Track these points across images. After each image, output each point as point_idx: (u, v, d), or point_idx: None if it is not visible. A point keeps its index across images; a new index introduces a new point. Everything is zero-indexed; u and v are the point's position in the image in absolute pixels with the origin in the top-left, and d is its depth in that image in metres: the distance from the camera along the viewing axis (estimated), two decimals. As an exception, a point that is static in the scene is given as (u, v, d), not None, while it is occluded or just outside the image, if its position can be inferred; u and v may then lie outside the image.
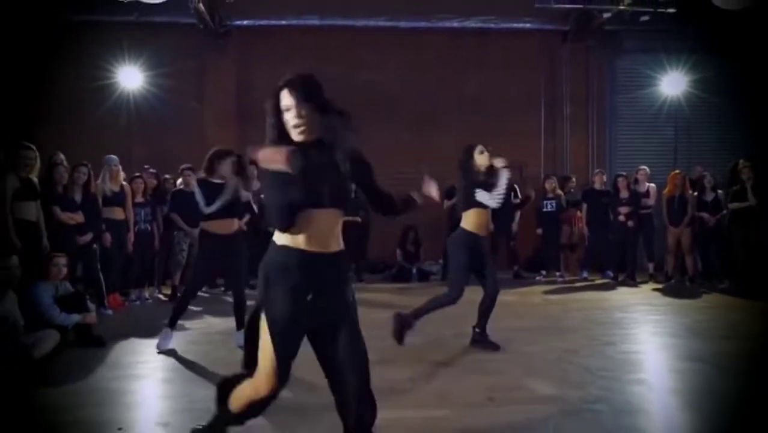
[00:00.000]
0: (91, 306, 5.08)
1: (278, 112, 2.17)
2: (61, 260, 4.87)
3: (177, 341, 4.93)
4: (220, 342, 4.91)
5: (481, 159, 4.46)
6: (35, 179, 5.32)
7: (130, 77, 9.33)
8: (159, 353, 4.46)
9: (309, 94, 2.13)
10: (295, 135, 2.13)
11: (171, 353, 4.50)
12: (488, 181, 4.40)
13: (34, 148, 5.31)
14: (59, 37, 9.12)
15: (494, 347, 4.37)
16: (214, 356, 4.40)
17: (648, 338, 5.02)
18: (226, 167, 4.64)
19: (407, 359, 4.08)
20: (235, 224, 4.75)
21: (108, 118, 9.17)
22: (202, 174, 4.83)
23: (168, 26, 9.45)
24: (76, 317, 4.69)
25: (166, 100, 9.44)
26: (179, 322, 4.96)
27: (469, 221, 4.42)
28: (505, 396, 3.32)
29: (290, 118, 2.13)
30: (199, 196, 4.67)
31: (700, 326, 5.33)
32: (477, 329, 4.48)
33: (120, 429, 2.92)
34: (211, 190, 4.62)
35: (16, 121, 8.47)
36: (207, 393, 3.39)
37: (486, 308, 4.45)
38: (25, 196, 5.15)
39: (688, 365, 4.03)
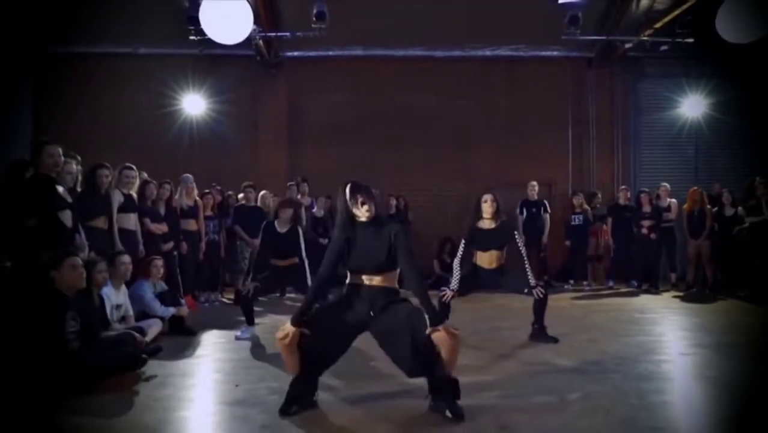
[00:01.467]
0: (183, 301, 6.01)
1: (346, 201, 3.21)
2: (159, 262, 5.81)
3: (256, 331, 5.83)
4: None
5: (485, 207, 5.09)
6: (135, 195, 6.29)
7: (194, 104, 10.39)
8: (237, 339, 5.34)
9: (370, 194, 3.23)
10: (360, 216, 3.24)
11: (251, 339, 5.37)
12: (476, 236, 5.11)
13: (134, 168, 6.30)
14: (131, 68, 10.26)
15: (553, 340, 4.97)
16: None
17: (661, 331, 5.69)
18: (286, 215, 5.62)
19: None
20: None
21: (174, 142, 10.24)
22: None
23: (227, 58, 10.50)
24: (172, 310, 5.61)
25: (224, 124, 10.47)
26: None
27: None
28: (537, 369, 4.07)
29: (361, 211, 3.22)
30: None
31: (711, 324, 5.98)
32: (535, 325, 5.11)
33: (237, 385, 3.77)
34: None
35: (96, 148, 9.54)
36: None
37: (535, 308, 5.09)
38: (127, 209, 6.10)
39: (692, 350, 4.72)
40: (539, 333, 5.09)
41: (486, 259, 5.13)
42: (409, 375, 3.15)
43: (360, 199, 3.18)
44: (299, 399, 3.20)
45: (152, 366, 4.21)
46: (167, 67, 10.24)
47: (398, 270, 3.24)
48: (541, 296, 4.98)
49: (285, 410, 3.16)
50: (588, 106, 10.96)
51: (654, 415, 3.13)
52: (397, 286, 3.28)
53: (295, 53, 10.83)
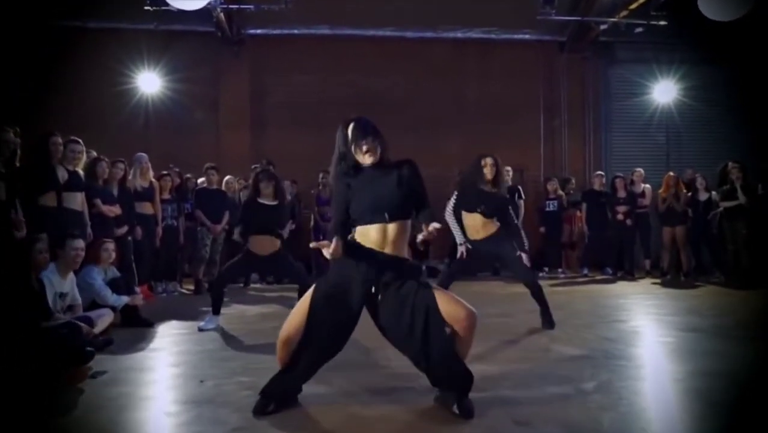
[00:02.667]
0: (137, 289, 5.42)
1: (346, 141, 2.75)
2: (110, 246, 5.21)
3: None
4: (259, 321, 5.26)
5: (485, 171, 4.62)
6: (81, 172, 5.65)
7: (149, 82, 9.70)
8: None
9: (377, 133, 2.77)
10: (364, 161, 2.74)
11: (215, 330, 4.85)
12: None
13: (81, 142, 5.65)
14: (82, 43, 9.47)
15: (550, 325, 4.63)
16: (262, 331, 4.77)
17: (651, 316, 5.44)
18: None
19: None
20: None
21: (128, 121, 9.53)
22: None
23: (185, 34, 9.84)
24: (125, 298, 5.02)
25: (182, 104, 9.81)
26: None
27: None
28: (540, 356, 3.72)
29: (363, 156, 2.73)
30: None
31: (695, 307, 5.80)
32: (545, 314, 4.75)
33: (202, 381, 3.27)
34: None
35: (41, 123, 8.76)
36: (265, 356, 3.80)
37: (537, 296, 4.76)
38: (72, 187, 5.46)
39: (689, 333, 4.46)
40: (548, 317, 4.71)
41: (472, 225, 4.63)
42: (433, 383, 2.74)
43: (364, 147, 2.71)
44: (280, 396, 2.74)
45: (102, 361, 3.66)
46: (120, 42, 9.52)
47: (410, 222, 2.76)
48: (527, 263, 4.71)
49: (261, 409, 2.68)
50: (560, 91, 10.77)
51: (675, 401, 2.81)
52: (406, 252, 2.78)
53: (259, 31, 10.25)
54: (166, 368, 3.71)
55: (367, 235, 2.70)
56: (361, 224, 2.73)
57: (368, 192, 2.70)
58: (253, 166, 8.64)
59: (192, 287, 7.66)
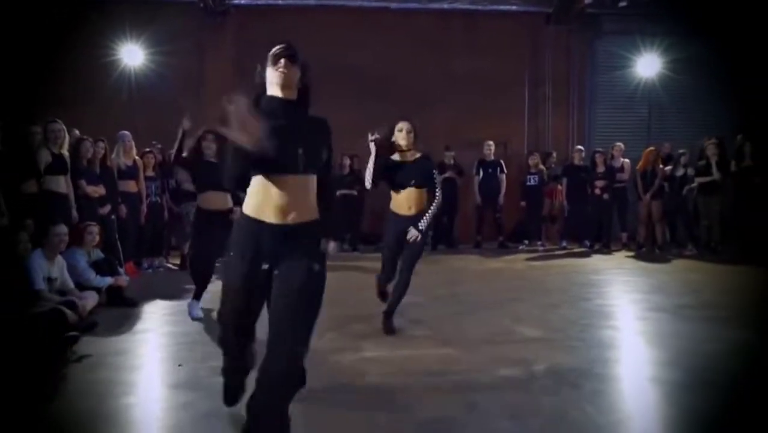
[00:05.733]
0: (121, 271, 5.59)
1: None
2: (94, 228, 5.35)
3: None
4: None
5: (399, 137, 4.11)
6: (66, 153, 5.73)
7: (132, 54, 9.64)
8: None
9: (296, 57, 2.36)
10: (275, 89, 2.32)
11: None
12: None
13: (61, 122, 5.71)
14: (63, 15, 9.35)
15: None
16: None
17: (619, 295, 5.69)
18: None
19: (409, 313, 4.68)
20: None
21: (111, 95, 9.51)
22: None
23: (168, 5, 9.74)
24: (109, 280, 5.19)
25: (165, 77, 9.77)
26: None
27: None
28: (500, 338, 3.94)
29: (275, 72, 2.31)
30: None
31: (663, 285, 6.03)
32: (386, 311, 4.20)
33: (180, 365, 3.47)
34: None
35: (22, 99, 8.75)
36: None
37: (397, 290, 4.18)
38: (56, 170, 5.55)
39: (651, 314, 4.70)
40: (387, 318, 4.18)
41: (403, 201, 4.07)
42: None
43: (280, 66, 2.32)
44: (235, 381, 2.63)
45: (86, 344, 3.85)
46: (102, 13, 9.41)
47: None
48: (415, 240, 4.00)
49: (230, 401, 2.66)
50: (545, 65, 10.77)
51: (619, 387, 3.03)
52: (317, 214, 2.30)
53: (242, 1, 10.15)
54: (147, 352, 3.90)
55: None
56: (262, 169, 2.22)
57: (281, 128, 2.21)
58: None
59: (178, 262, 7.81)
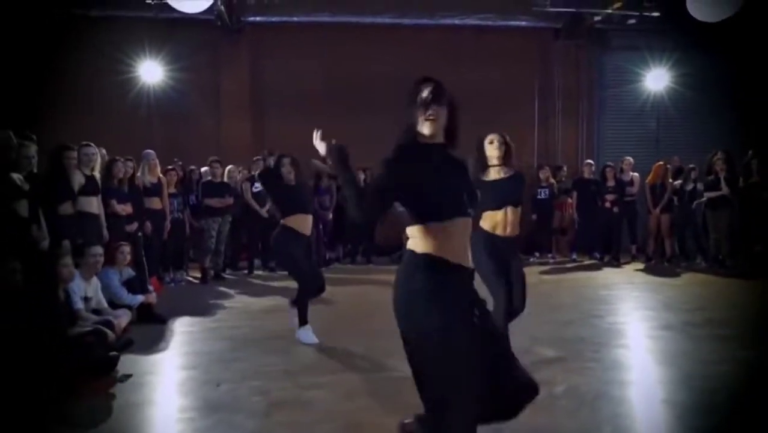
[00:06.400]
0: (151, 288, 5.82)
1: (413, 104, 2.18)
2: (126, 248, 5.58)
3: (225, 317, 5.71)
4: (264, 317, 5.66)
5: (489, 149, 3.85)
6: (97, 175, 5.96)
7: (151, 72, 9.88)
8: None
9: (444, 98, 2.18)
10: (425, 137, 2.17)
11: (224, 327, 5.25)
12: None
13: (94, 146, 5.95)
14: (83, 32, 9.61)
15: None
16: (267, 328, 5.17)
17: (629, 311, 5.89)
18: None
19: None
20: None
21: (130, 111, 9.76)
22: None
23: (185, 22, 9.94)
24: (140, 298, 5.42)
25: (183, 93, 10.01)
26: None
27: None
28: (520, 358, 4.09)
29: (425, 122, 2.15)
30: None
31: (672, 301, 6.21)
32: None
33: (218, 385, 3.68)
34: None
35: (38, 116, 8.99)
36: (273, 358, 4.21)
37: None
38: (89, 192, 5.77)
39: (661, 333, 4.88)
40: None
41: (500, 221, 3.73)
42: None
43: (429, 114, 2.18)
44: None
45: (126, 363, 4.07)
46: (121, 31, 9.66)
47: None
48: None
49: None
50: (554, 78, 10.95)
51: (635, 410, 3.22)
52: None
53: (258, 18, 10.37)
54: (183, 371, 4.11)
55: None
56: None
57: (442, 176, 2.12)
58: (255, 158, 8.96)
59: (198, 275, 8.03)
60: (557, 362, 4.04)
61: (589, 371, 3.84)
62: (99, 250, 4.93)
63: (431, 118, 2.15)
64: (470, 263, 2.10)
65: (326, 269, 7.41)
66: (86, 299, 4.80)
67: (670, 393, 3.46)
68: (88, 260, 4.85)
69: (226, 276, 8.32)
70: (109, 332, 4.27)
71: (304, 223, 4.84)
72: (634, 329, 5.18)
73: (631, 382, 3.70)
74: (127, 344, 4.47)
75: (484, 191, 3.51)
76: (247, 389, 3.60)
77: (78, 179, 5.69)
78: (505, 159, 3.83)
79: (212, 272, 8.11)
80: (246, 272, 8.61)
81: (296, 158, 5.06)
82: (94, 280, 4.94)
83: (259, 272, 8.56)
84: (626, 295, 6.64)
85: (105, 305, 4.97)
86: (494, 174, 3.84)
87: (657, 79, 10.58)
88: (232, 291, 7.23)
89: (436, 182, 2.07)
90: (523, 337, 4.64)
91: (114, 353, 4.04)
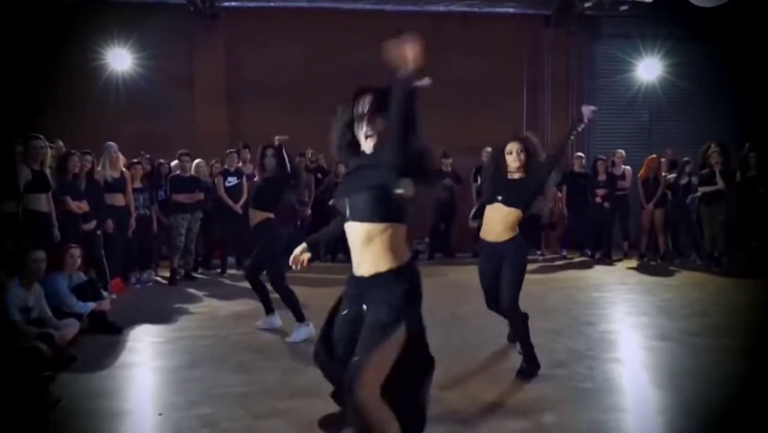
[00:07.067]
0: (105, 294, 5.34)
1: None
2: (76, 251, 5.10)
3: (189, 325, 5.26)
4: (231, 325, 5.21)
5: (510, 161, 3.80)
6: (47, 170, 5.47)
7: (119, 58, 9.35)
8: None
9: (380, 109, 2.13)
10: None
11: (186, 337, 4.80)
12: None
13: (43, 138, 5.44)
14: (47, 17, 9.04)
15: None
16: (232, 339, 4.72)
17: (622, 318, 5.48)
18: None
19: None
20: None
21: (97, 100, 9.22)
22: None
23: (156, 7, 9.45)
24: (91, 305, 4.95)
25: (155, 82, 9.48)
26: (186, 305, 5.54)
27: None
28: (506, 378, 3.71)
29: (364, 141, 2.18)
30: None
31: (667, 304, 5.82)
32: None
33: (160, 414, 3.24)
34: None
35: (6, 106, 8.45)
36: (232, 377, 3.77)
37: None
38: (37, 188, 5.30)
39: (657, 343, 4.49)
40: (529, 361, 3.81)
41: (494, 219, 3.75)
42: None
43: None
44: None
45: (63, 383, 3.61)
46: (87, 14, 9.09)
47: None
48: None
49: None
50: (543, 68, 10.55)
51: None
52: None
53: (233, 3, 9.86)
54: (127, 394, 3.66)
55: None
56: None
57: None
58: (228, 151, 8.48)
59: (168, 275, 7.55)
60: (548, 381, 3.63)
61: (584, 395, 3.43)
62: (41, 255, 4.45)
63: (369, 135, 2.18)
64: (363, 270, 2.14)
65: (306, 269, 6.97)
66: (26, 310, 4.34)
67: (674, 424, 3.06)
68: (28, 266, 4.37)
69: (198, 276, 7.87)
70: (45, 346, 3.81)
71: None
72: (628, 340, 4.78)
73: (630, 410, 3.28)
74: (68, 361, 4.02)
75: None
76: (194, 418, 3.16)
77: (24, 175, 5.21)
78: (528, 166, 3.77)
79: (182, 272, 7.65)
80: (219, 270, 8.15)
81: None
82: (36, 287, 4.47)
83: (233, 271, 8.10)
84: (619, 298, 6.26)
85: (49, 314, 4.50)
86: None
87: (649, 69, 10.22)
88: (200, 293, 6.77)
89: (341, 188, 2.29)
90: (511, 352, 4.25)
91: (48, 373, 3.58)
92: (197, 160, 8.02)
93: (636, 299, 6.15)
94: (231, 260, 8.36)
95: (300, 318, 4.66)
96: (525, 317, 3.87)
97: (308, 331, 4.57)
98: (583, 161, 9.23)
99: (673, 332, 4.77)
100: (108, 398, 3.53)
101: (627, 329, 5.11)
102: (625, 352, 4.42)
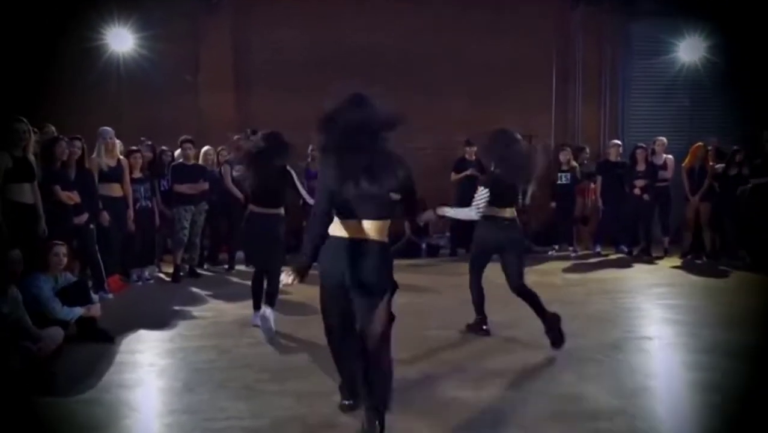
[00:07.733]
0: (95, 297, 4.74)
1: None
2: (62, 249, 4.48)
3: (189, 333, 4.66)
4: (237, 334, 4.60)
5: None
6: (31, 157, 4.87)
7: (120, 39, 8.74)
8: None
9: None
10: None
11: (184, 349, 4.19)
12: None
13: (26, 121, 4.83)
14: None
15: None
16: (236, 353, 4.10)
17: (688, 331, 4.66)
18: None
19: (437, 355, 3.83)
20: None
21: (96, 83, 8.60)
22: None
23: (159, -16, 8.82)
24: (79, 311, 4.34)
25: (158, 65, 8.86)
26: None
27: None
28: (571, 412, 3.03)
29: None
30: None
31: (727, 317, 5.02)
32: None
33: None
34: None
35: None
36: (235, 405, 3.15)
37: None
38: (19, 177, 4.70)
39: (727, 381, 3.52)
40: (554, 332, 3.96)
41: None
42: None
43: None
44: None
45: (38, 407, 3.01)
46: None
47: None
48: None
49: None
50: (574, 50, 9.85)
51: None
52: None
53: (240, -18, 9.20)
54: (113, 422, 3.04)
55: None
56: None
57: None
58: (235, 137, 7.83)
59: (171, 271, 6.96)
60: (619, 416, 2.95)
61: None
62: (17, 255, 3.86)
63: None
64: None
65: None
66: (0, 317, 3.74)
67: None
68: (2, 268, 3.77)
69: (203, 272, 7.30)
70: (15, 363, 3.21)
71: None
72: (696, 359, 3.99)
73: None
74: (46, 380, 3.44)
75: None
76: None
77: (5, 162, 4.61)
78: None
79: (186, 268, 7.06)
80: (226, 267, 7.55)
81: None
82: (13, 291, 3.86)
83: (241, 268, 7.46)
84: (674, 304, 5.47)
85: (28, 323, 3.89)
86: None
87: (691, 50, 9.43)
88: (204, 293, 6.18)
89: None
90: (569, 373, 3.58)
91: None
92: (205, 148, 7.42)
93: (696, 307, 5.39)
94: (239, 254, 7.75)
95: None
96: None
97: (271, 312, 4.51)
98: (620, 150, 8.49)
99: (741, 364, 3.85)
100: (87, 429, 2.91)
101: (699, 351, 4.12)
102: (695, 373, 3.69)
